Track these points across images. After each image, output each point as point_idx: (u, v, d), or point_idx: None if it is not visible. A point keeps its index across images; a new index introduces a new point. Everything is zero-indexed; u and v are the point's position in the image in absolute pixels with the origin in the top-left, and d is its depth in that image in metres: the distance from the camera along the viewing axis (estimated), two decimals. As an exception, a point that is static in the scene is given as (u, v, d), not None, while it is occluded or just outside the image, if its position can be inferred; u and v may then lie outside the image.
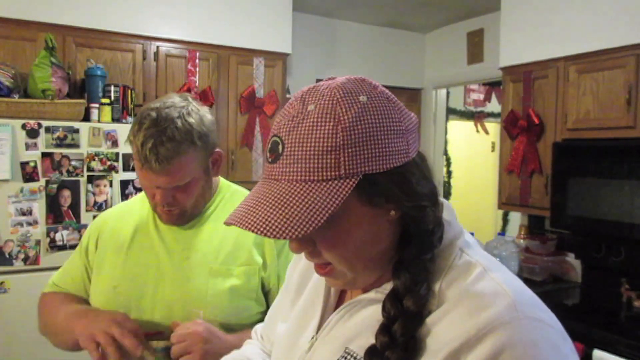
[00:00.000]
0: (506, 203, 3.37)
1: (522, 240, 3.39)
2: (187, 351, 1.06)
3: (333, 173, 0.60)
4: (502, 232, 4.66)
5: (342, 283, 0.71)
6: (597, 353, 2.26)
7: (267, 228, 0.59)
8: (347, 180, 0.60)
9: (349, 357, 0.69)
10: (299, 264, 0.92)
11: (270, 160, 0.64)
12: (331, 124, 0.60)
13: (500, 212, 5.00)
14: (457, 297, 0.63)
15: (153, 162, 1.07)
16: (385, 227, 0.66)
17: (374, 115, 0.62)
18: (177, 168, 1.11)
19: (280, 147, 0.63)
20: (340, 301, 0.79)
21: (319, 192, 0.60)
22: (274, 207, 0.60)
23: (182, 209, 1.19)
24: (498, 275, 0.65)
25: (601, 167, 2.64)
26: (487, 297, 0.61)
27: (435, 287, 0.64)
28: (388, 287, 0.67)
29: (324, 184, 0.60)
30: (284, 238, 0.58)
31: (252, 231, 0.60)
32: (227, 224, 0.64)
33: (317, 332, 0.77)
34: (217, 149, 1.23)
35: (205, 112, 1.19)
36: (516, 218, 4.15)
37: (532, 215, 3.46)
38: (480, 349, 0.57)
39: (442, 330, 0.61)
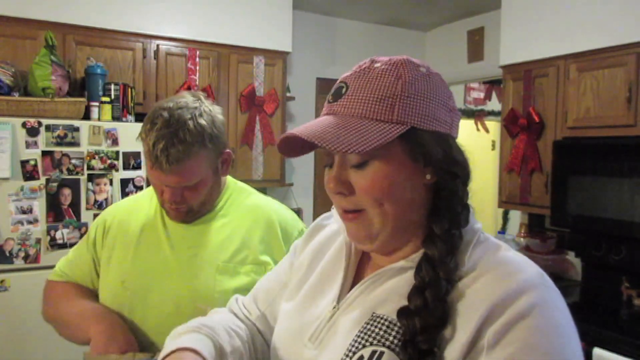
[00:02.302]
0: (506, 201, 3.37)
1: (522, 239, 3.39)
2: None
3: (386, 116, 0.68)
4: (503, 231, 4.66)
5: (365, 235, 0.73)
6: (597, 351, 2.26)
7: (320, 139, 0.67)
8: (397, 126, 0.68)
9: (378, 319, 0.72)
10: (308, 244, 0.93)
11: (330, 100, 0.73)
12: (393, 77, 0.70)
13: (501, 210, 4.99)
14: (487, 265, 0.69)
15: (164, 163, 1.09)
16: (420, 189, 0.72)
17: (429, 83, 0.71)
18: (187, 169, 1.12)
19: (344, 89, 0.72)
20: (357, 277, 0.81)
21: (370, 128, 0.68)
22: (337, 129, 0.68)
23: (189, 207, 1.20)
24: (521, 254, 0.73)
25: (601, 165, 2.64)
26: (517, 264, 0.69)
27: (465, 257, 0.70)
28: (416, 258, 0.72)
29: (377, 123, 0.68)
30: (331, 149, 0.66)
31: (308, 138, 0.68)
32: (289, 133, 0.71)
33: (338, 302, 0.79)
34: (227, 149, 1.24)
35: (217, 113, 1.20)
36: (516, 216, 4.15)
37: (532, 214, 3.46)
38: (517, 304, 0.63)
39: (476, 292, 0.67)
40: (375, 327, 0.71)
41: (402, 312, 0.68)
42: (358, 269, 0.83)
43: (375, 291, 0.75)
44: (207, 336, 0.82)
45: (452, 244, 0.70)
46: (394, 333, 0.69)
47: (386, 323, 0.70)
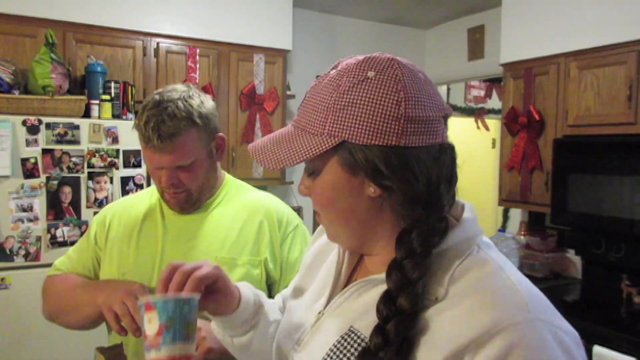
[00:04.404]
0: (506, 199, 3.37)
1: (522, 237, 3.39)
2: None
3: (318, 129, 0.67)
4: (503, 229, 4.66)
5: (330, 234, 0.77)
6: (597, 349, 2.26)
7: (261, 158, 0.71)
8: (328, 139, 0.66)
9: (353, 335, 0.70)
10: (313, 246, 0.94)
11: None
12: (333, 87, 0.67)
13: (501, 208, 4.98)
14: (467, 289, 0.63)
15: (155, 140, 1.11)
16: (364, 201, 0.69)
17: (371, 90, 0.64)
18: (179, 146, 1.14)
19: (304, 99, 0.73)
20: (349, 281, 0.81)
21: (303, 141, 0.68)
22: (273, 144, 0.72)
23: (187, 192, 1.21)
24: (512, 275, 0.65)
25: (602, 163, 2.64)
26: (499, 294, 0.61)
27: (446, 277, 0.64)
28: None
29: (310, 136, 0.68)
30: (266, 166, 0.70)
31: (251, 155, 0.74)
32: (250, 147, 0.76)
33: (324, 308, 0.79)
34: (220, 134, 1.26)
35: (207, 99, 1.23)
36: (516, 214, 4.15)
37: (533, 212, 3.46)
38: (490, 347, 0.57)
39: (449, 322, 0.61)
40: (349, 343, 0.70)
41: (362, 354, 0.65)
42: (351, 275, 0.82)
43: (357, 300, 0.74)
44: (253, 292, 0.90)
45: (417, 268, 0.62)
46: None
47: (358, 340, 0.69)
